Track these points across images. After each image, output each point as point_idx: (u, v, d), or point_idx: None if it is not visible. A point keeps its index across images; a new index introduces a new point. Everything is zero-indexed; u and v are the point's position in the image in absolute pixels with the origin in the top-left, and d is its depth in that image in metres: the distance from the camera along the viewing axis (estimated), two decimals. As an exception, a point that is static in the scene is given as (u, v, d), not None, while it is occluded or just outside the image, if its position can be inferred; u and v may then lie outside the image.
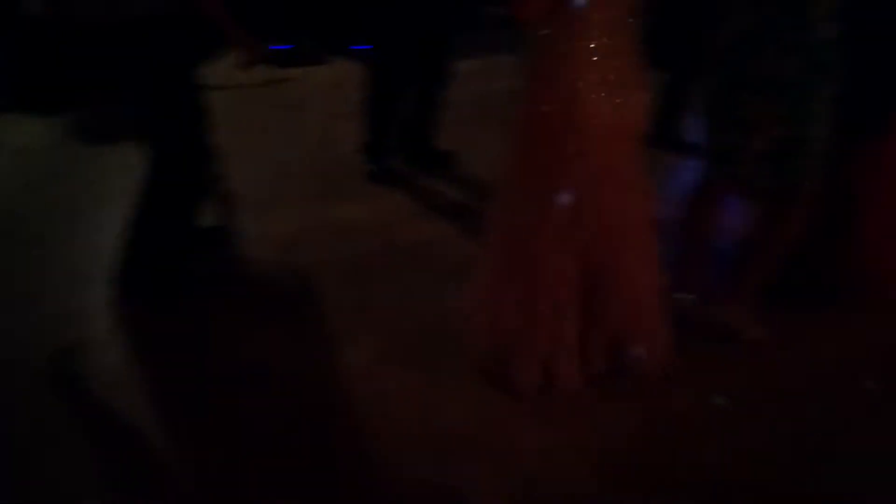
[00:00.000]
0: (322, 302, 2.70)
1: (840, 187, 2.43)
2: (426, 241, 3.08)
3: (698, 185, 2.43)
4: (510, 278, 2.22)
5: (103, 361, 2.41)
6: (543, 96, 2.09)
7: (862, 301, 2.61)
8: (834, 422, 2.17)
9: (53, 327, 2.55)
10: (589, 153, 2.06)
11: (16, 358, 2.41)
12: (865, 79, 2.16)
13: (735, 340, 2.44)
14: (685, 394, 2.26)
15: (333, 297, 2.72)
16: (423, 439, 2.09)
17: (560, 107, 2.05)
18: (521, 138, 2.17)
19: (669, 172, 3.67)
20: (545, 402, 2.21)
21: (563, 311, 2.18)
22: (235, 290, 2.81)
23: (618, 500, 1.92)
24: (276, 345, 2.49)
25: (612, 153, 2.11)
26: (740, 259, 2.48)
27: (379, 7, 3.36)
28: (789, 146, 2.11)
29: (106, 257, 2.68)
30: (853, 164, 2.41)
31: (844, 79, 2.10)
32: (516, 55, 2.16)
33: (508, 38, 2.17)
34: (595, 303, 2.20)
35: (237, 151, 2.94)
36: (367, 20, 3.52)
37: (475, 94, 4.21)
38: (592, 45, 2.01)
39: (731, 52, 2.12)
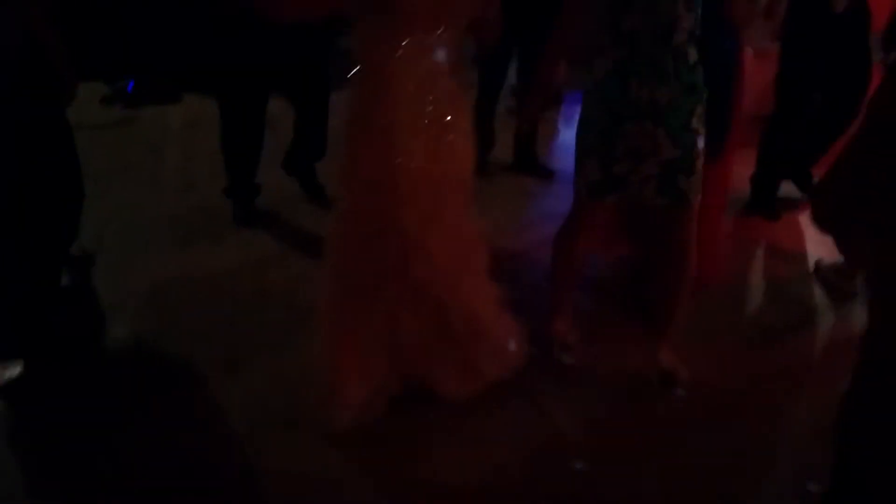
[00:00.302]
0: (190, 360, 2.54)
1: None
2: (297, 281, 2.99)
3: (572, 211, 2.45)
4: (354, 321, 2.19)
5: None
6: (361, 137, 2.05)
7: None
8: (651, 434, 2.29)
9: None
10: (410, 200, 2.03)
11: None
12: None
13: (671, 384, 2.44)
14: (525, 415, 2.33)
15: (202, 354, 2.57)
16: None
17: (375, 150, 2.02)
18: (348, 179, 2.14)
19: (533, 198, 3.80)
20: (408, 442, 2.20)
21: (402, 349, 2.18)
22: (99, 352, 2.62)
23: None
24: (145, 411, 2.33)
25: (438, 199, 2.08)
26: (653, 303, 2.52)
27: (224, 40, 3.17)
28: (678, 165, 2.19)
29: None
30: None
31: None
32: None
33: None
34: (441, 336, 2.21)
35: (89, 199, 2.75)
36: (215, 54, 3.35)
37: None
38: (408, 84, 1.98)
39: (608, 85, 2.17)
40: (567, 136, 4.30)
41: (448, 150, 2.07)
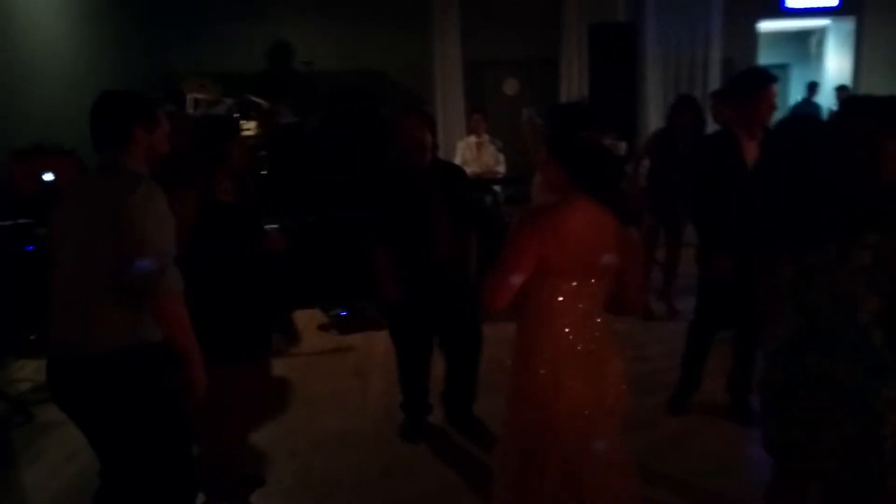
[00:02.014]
0: None
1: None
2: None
3: (775, 474, 2.35)
4: None
5: None
6: (527, 366, 2.30)
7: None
8: None
9: None
10: (567, 421, 2.23)
11: None
12: None
13: None
14: None
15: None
16: None
17: (539, 377, 2.25)
18: (516, 399, 2.36)
19: (732, 445, 3.60)
20: None
21: None
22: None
23: None
24: None
25: (591, 424, 2.26)
26: None
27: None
28: (864, 443, 2.04)
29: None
30: None
31: None
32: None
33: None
34: None
35: (301, 423, 2.98)
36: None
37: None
38: (565, 323, 2.26)
39: (788, 350, 2.15)
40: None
41: (602, 381, 2.30)
